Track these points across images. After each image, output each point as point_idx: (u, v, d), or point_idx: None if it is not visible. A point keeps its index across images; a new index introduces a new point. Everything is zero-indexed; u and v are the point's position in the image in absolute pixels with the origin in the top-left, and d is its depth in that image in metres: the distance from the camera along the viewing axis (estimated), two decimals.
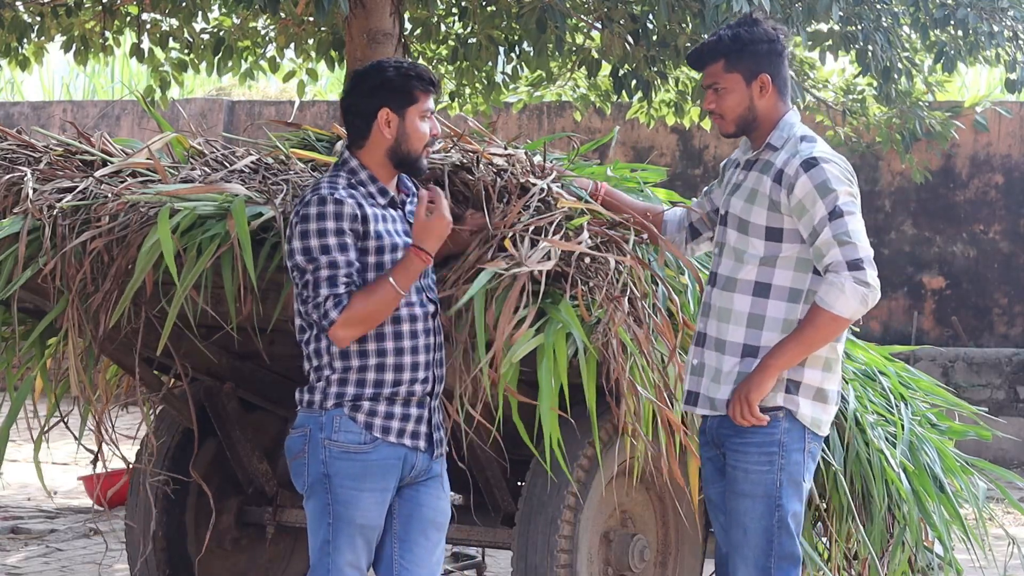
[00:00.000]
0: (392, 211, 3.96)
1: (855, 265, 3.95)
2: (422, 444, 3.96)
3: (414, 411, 3.94)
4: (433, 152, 4.51)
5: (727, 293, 4.13)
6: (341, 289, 3.81)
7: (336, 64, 9.94)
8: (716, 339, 4.13)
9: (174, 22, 9.94)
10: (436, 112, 4.08)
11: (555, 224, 4.30)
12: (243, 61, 10.37)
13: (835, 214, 3.97)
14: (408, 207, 4.03)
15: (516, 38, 9.46)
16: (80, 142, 4.80)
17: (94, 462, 4.63)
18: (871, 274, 3.96)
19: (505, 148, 4.64)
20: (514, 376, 4.04)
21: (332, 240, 3.81)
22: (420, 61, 10.31)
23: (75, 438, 4.63)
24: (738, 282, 4.11)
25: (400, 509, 3.99)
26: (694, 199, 4.61)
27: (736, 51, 4.12)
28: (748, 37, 4.12)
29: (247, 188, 4.38)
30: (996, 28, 8.88)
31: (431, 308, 3.99)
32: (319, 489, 3.90)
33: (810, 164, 4.01)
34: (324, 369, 3.90)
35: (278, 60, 10.47)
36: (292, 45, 10.11)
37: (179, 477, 5.04)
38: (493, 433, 4.17)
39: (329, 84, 16.90)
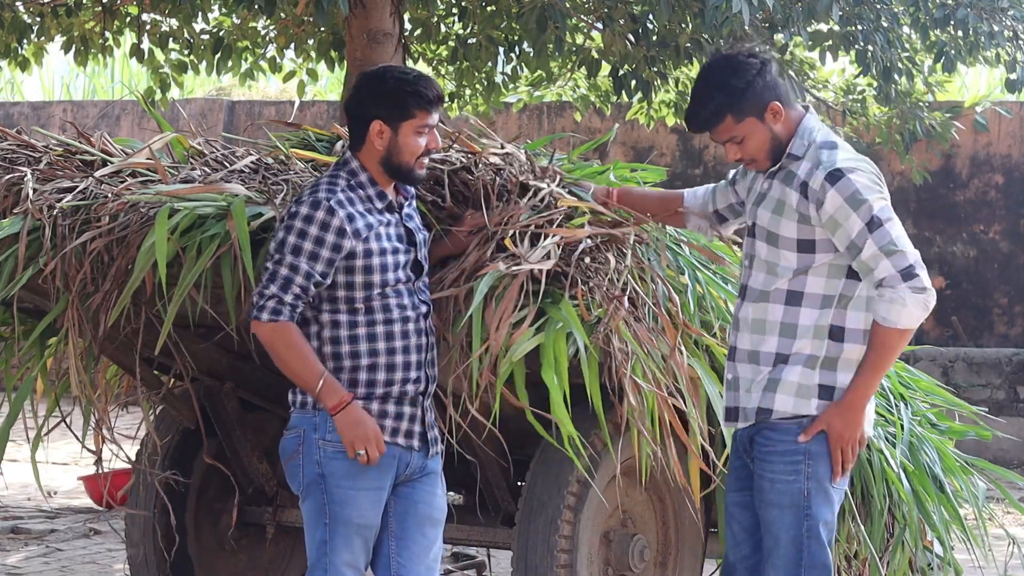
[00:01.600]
0: (389, 215, 3.96)
1: (908, 274, 3.90)
2: (416, 443, 3.96)
3: (407, 410, 3.95)
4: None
5: (760, 305, 4.07)
6: (288, 297, 3.83)
7: (336, 64, 9.94)
8: (749, 351, 4.08)
9: (174, 23, 9.93)
10: (438, 122, 4.06)
11: (555, 224, 4.31)
12: (243, 61, 10.37)
13: (874, 224, 3.91)
14: (406, 210, 4.03)
15: (516, 38, 9.45)
16: (80, 142, 4.80)
17: (97, 462, 4.63)
18: (925, 278, 3.91)
19: (502, 146, 4.64)
20: (519, 375, 4.04)
21: (307, 246, 3.82)
22: (420, 62, 10.32)
23: (77, 439, 4.64)
24: (771, 293, 4.06)
25: (396, 507, 3.99)
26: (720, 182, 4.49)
27: (736, 101, 4.02)
28: (739, 82, 4.01)
29: (247, 188, 4.38)
30: (996, 28, 8.87)
31: (423, 309, 4.00)
32: (315, 489, 3.91)
33: (836, 176, 3.93)
34: None
35: (278, 60, 10.46)
36: (292, 45, 10.11)
37: (179, 480, 5.03)
38: (488, 432, 4.17)
39: (329, 84, 16.89)
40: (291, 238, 3.83)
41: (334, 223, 3.83)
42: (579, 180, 4.62)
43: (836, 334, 4.01)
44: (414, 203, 4.12)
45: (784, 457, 4.01)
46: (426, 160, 4.01)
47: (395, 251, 3.93)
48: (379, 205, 3.94)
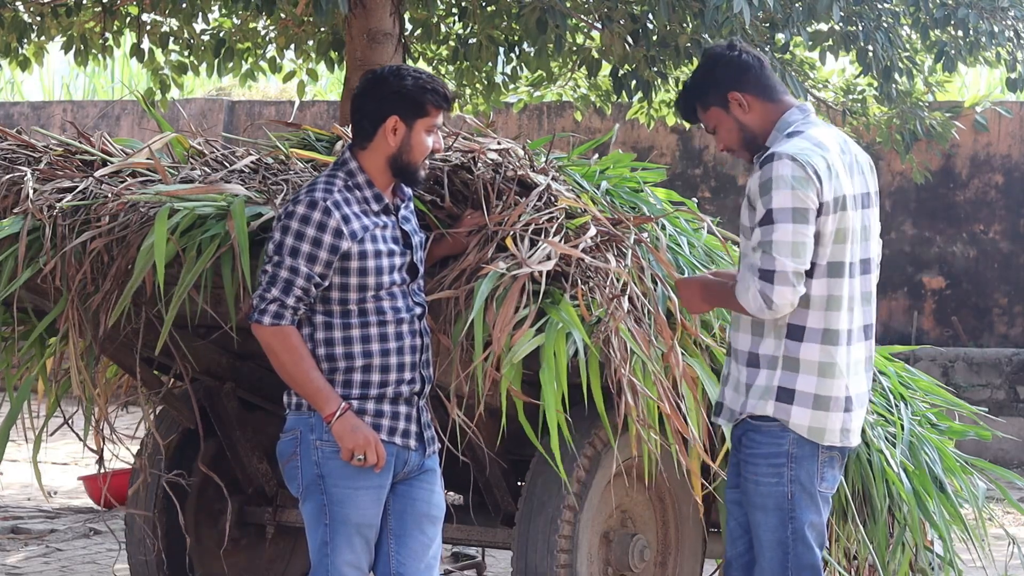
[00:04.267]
0: (385, 217, 3.96)
1: (765, 276, 3.86)
2: (412, 443, 3.96)
3: (403, 409, 3.95)
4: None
5: None
6: (291, 300, 3.83)
7: (336, 64, 9.94)
8: (735, 349, 4.11)
9: (174, 23, 9.94)
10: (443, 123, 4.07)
11: (556, 223, 4.30)
12: (243, 62, 10.37)
13: (766, 219, 3.88)
14: (402, 212, 4.03)
15: (516, 38, 9.45)
16: (80, 142, 4.80)
17: (100, 462, 4.63)
18: (779, 290, 3.84)
19: (499, 143, 4.65)
20: (517, 376, 4.04)
21: (305, 247, 3.82)
22: (420, 61, 10.32)
23: (80, 439, 4.64)
24: None
25: (394, 505, 3.99)
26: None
27: (699, 92, 4.12)
28: (700, 76, 4.13)
29: (247, 188, 4.38)
30: (996, 28, 8.87)
31: (418, 310, 3.99)
32: (314, 490, 3.91)
33: (766, 160, 3.93)
34: None
35: (278, 61, 10.46)
36: (292, 46, 10.11)
37: (176, 483, 5.02)
38: (489, 433, 4.17)
39: (329, 84, 16.89)
40: (288, 239, 3.83)
41: (331, 224, 3.82)
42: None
43: (794, 333, 3.98)
44: (411, 205, 4.11)
45: (767, 460, 4.01)
46: (428, 162, 4.01)
47: (391, 254, 3.92)
48: (375, 207, 3.94)
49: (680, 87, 10.43)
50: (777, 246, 3.86)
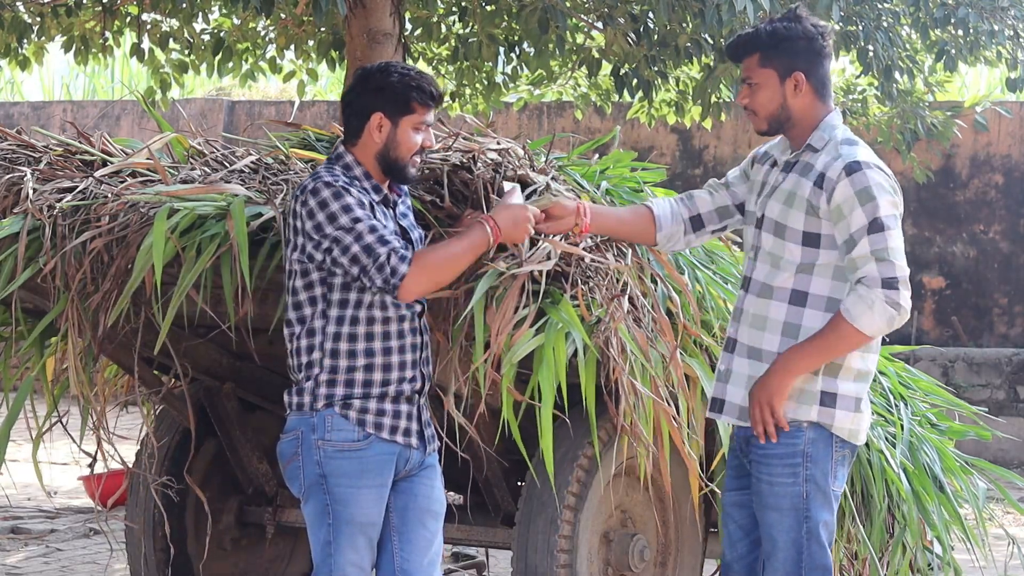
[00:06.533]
0: (385, 209, 3.96)
1: (890, 284, 3.84)
2: (414, 441, 3.96)
3: (404, 408, 3.95)
4: (432, 153, 4.51)
5: (763, 300, 4.03)
6: (396, 243, 3.80)
7: (336, 64, 9.94)
8: (749, 347, 4.05)
9: (174, 23, 9.94)
10: (435, 121, 4.06)
11: None
12: (243, 62, 10.37)
13: (875, 226, 3.86)
14: (400, 208, 4.02)
15: (516, 38, 9.45)
16: (80, 142, 4.80)
17: (92, 464, 4.63)
18: (904, 295, 3.86)
19: (498, 143, 4.64)
20: (511, 376, 4.04)
21: (359, 211, 3.81)
22: (420, 61, 10.33)
23: (73, 440, 4.63)
24: (775, 289, 4.01)
25: (396, 502, 3.99)
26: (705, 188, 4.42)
27: (771, 46, 4.01)
28: (785, 33, 4.01)
29: (247, 188, 4.38)
30: (996, 27, 8.87)
31: (418, 308, 3.99)
32: (316, 490, 3.90)
33: (853, 168, 3.90)
34: (313, 368, 3.91)
35: (278, 61, 10.47)
36: (292, 46, 10.11)
37: (175, 485, 5.02)
38: (490, 432, 4.17)
39: (329, 84, 16.89)
40: (343, 217, 3.79)
41: (355, 192, 3.83)
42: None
43: None
44: (408, 201, 4.11)
45: (783, 460, 3.99)
46: (419, 159, 4.00)
47: None
48: (375, 198, 3.94)
49: (690, 90, 10.36)
50: (893, 252, 3.87)
